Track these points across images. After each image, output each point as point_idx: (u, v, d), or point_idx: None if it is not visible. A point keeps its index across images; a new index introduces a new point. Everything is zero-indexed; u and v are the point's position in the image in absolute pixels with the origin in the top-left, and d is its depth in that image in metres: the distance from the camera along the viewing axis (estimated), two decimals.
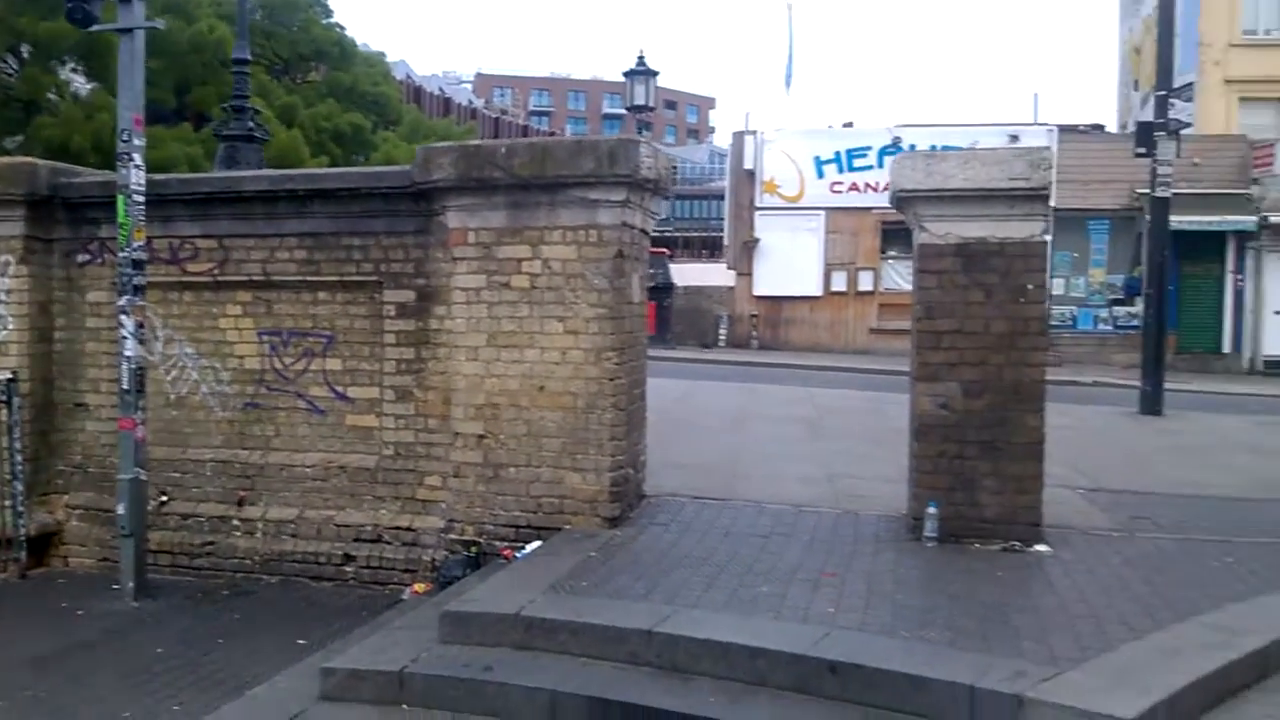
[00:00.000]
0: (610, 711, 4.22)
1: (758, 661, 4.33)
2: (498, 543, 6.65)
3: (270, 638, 6.07)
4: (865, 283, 24.52)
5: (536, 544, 6.35)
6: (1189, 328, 23.74)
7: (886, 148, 24.22)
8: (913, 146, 24.18)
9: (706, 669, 4.43)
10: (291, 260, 7.47)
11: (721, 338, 24.70)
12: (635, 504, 6.96)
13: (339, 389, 7.36)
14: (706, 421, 10.95)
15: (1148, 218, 22.84)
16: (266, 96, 25.17)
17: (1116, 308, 23.98)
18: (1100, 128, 26.15)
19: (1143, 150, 12.27)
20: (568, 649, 4.64)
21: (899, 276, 24.59)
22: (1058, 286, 24.08)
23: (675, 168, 28.24)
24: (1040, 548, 6.11)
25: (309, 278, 7.43)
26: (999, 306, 6.23)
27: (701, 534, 6.32)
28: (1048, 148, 6.42)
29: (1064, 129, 23.91)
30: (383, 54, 38.87)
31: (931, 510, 6.20)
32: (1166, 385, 18.90)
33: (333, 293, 7.41)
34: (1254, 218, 22.69)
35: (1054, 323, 24.04)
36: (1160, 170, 12.23)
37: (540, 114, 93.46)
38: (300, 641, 5.91)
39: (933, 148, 24.89)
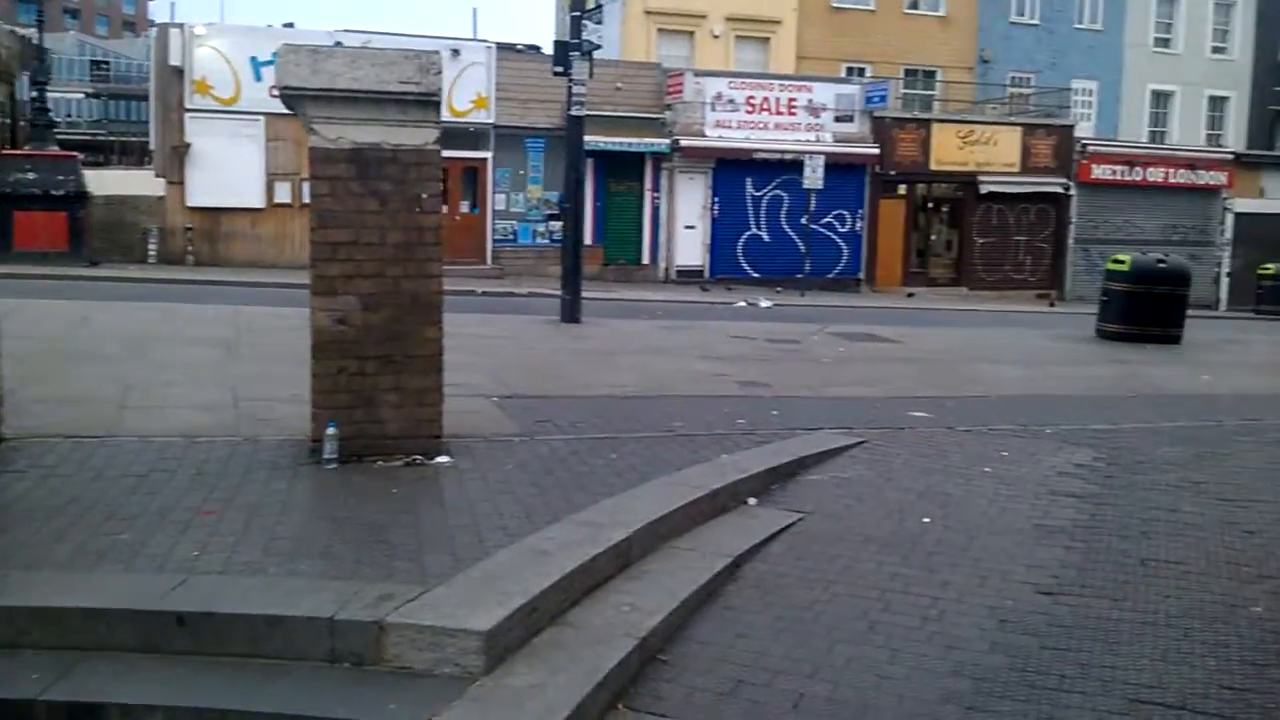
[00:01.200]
0: None
1: (97, 624, 3.76)
2: None
3: None
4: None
5: None
6: (614, 241, 25.84)
7: None
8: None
9: (38, 640, 3.77)
10: None
11: (152, 253, 22.43)
12: None
13: None
14: (106, 348, 9.71)
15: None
16: None
17: (553, 222, 25.31)
18: (537, 48, 27.23)
19: (560, 69, 12.81)
20: None
21: None
22: (499, 202, 24.96)
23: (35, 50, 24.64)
24: (442, 459, 6.09)
25: None
26: (394, 216, 6.01)
27: (64, 480, 5.48)
28: (437, 52, 6.26)
29: (502, 47, 24.56)
30: None
31: (331, 431, 5.91)
32: (593, 294, 20.35)
33: None
34: (667, 140, 25.09)
35: (497, 237, 24.98)
36: (575, 90, 12.86)
37: None
38: None
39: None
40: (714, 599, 4.61)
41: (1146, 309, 15.31)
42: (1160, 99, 34.97)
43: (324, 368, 6.01)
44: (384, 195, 5.98)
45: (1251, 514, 5.83)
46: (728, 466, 6.21)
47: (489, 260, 24.65)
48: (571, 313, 13.37)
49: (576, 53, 12.70)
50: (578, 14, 12.58)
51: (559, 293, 20.73)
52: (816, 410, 8.50)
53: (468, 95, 23.79)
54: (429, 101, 6.06)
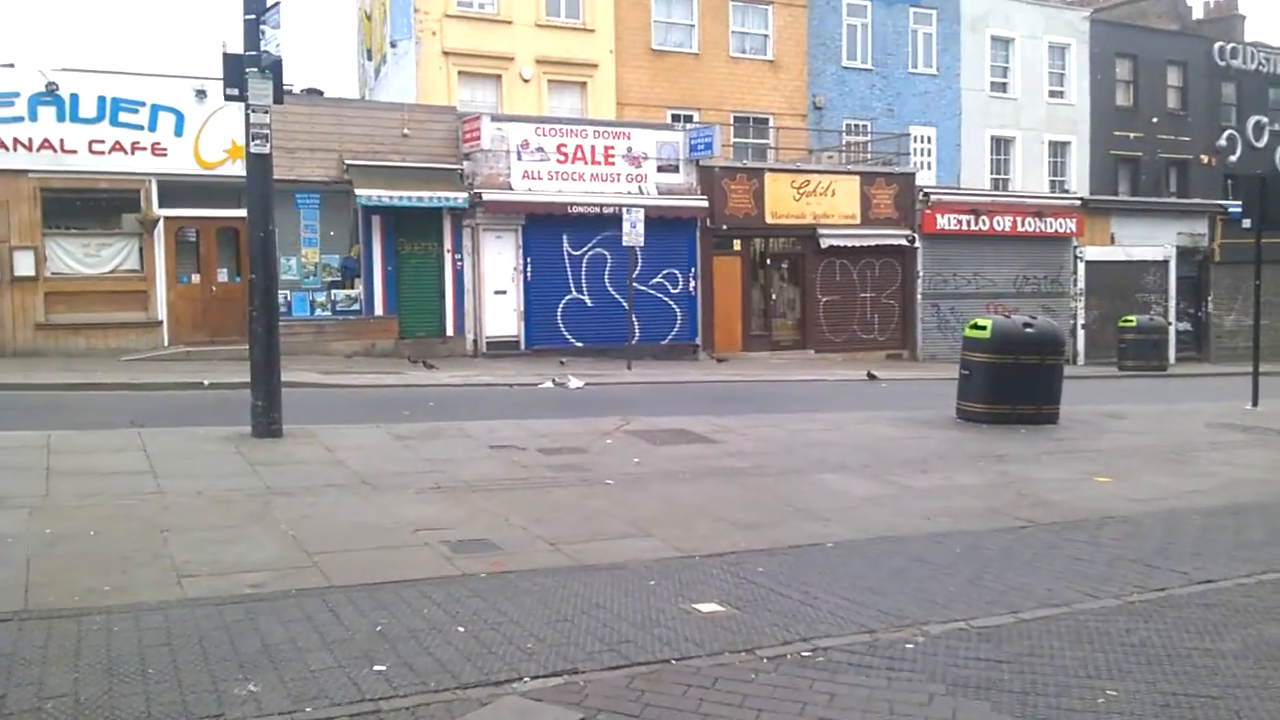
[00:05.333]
0: None
1: None
2: None
3: None
4: (25, 265, 19.30)
5: None
6: (411, 310, 22.32)
7: (40, 95, 19.21)
8: (75, 96, 19.51)
9: None
10: None
11: None
12: None
13: None
14: None
15: (359, 193, 20.87)
16: None
17: (335, 291, 21.67)
18: (319, 92, 23.59)
19: (234, 92, 9.33)
20: None
21: (70, 258, 19.85)
22: None
23: None
24: None
25: None
26: None
27: None
28: None
29: None
30: None
31: None
32: (356, 381, 16.73)
33: None
34: (465, 194, 21.76)
35: None
36: (254, 119, 9.35)
37: None
38: None
39: (101, 99, 20.45)
40: None
41: (1014, 383, 12.63)
42: (1001, 145, 33.55)
43: None
44: None
45: None
46: None
47: None
48: (266, 424, 9.70)
49: (254, 69, 9.24)
50: (253, 16, 9.12)
51: (322, 379, 17.07)
52: (547, 609, 5.15)
53: (220, 144, 19.98)
54: None
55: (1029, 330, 12.71)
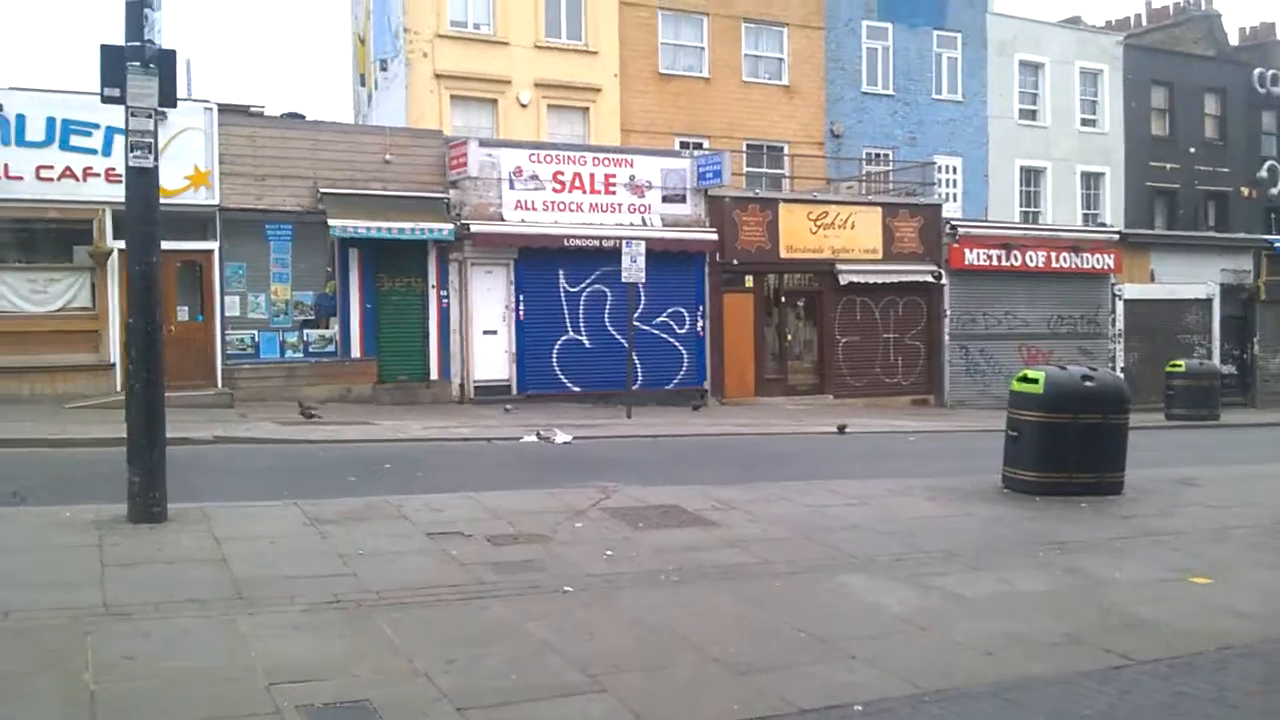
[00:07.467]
0: None
1: None
2: None
3: None
4: None
5: None
6: (392, 352, 20.49)
7: None
8: (22, 117, 17.87)
9: None
10: None
11: None
12: None
13: None
14: None
15: (334, 223, 19.08)
16: None
17: (308, 330, 19.87)
18: (300, 116, 21.91)
19: (114, 92, 7.54)
20: None
21: (14, 294, 18.12)
22: (232, 306, 19.38)
23: None
24: None
25: None
26: None
27: None
28: None
29: (227, 109, 19.17)
30: None
31: None
32: (311, 435, 14.59)
33: None
34: (452, 225, 19.98)
35: (230, 352, 19.32)
36: (135, 125, 7.55)
37: None
38: None
39: (51, 121, 18.77)
40: None
41: (1072, 447, 10.61)
42: (1030, 176, 31.66)
43: None
44: None
45: None
46: None
47: (219, 382, 18.90)
48: (144, 505, 7.73)
49: (136, 62, 7.46)
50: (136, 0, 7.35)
51: (277, 431, 15.22)
52: None
53: (181, 170, 18.25)
54: None
55: (1089, 384, 10.69)
